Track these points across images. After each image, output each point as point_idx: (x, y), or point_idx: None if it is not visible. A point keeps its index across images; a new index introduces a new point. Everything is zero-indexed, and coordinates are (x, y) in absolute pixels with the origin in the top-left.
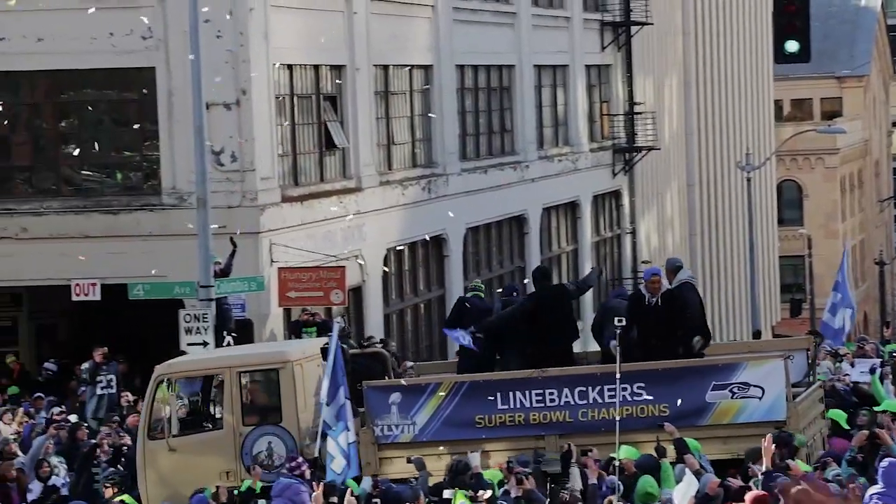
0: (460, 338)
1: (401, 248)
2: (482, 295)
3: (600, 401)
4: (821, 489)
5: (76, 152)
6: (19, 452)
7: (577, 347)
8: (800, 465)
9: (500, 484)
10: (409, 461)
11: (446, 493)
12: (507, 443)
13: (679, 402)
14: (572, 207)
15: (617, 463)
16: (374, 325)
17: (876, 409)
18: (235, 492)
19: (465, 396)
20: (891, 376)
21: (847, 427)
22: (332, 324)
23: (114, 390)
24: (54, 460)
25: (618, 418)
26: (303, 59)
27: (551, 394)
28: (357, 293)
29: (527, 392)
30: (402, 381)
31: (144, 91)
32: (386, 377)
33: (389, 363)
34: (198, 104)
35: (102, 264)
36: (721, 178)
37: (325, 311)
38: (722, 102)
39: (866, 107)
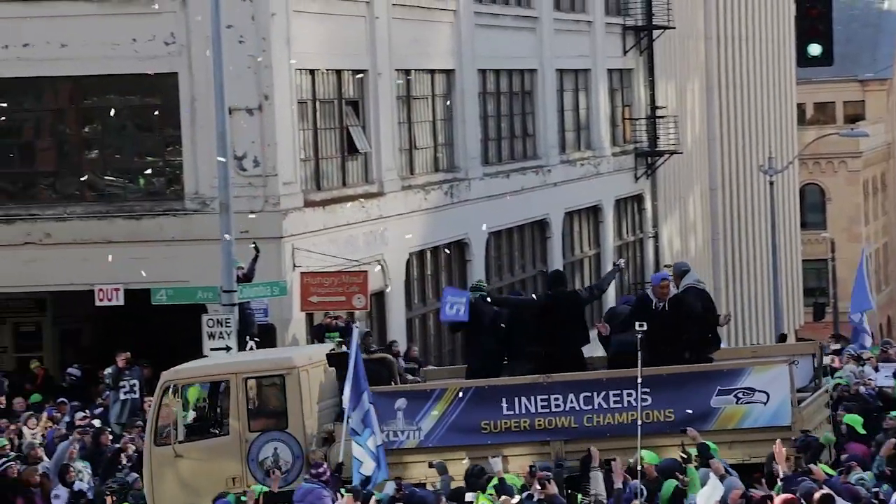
0: (458, 311)
1: (422, 250)
2: (486, 295)
3: (606, 406)
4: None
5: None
6: (45, 457)
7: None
8: (822, 470)
9: (523, 489)
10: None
11: (468, 497)
12: (513, 448)
13: (684, 407)
14: (594, 211)
15: (639, 467)
16: (397, 330)
17: None
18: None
19: (470, 402)
20: None
21: (863, 432)
22: (352, 328)
23: (137, 395)
24: (78, 465)
25: (640, 423)
26: (325, 64)
27: (556, 399)
28: (379, 298)
29: (532, 398)
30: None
31: (167, 97)
32: (392, 383)
33: (396, 368)
34: (220, 109)
35: (125, 269)
36: (744, 182)
37: (347, 316)
38: (744, 106)
39: (889, 110)
